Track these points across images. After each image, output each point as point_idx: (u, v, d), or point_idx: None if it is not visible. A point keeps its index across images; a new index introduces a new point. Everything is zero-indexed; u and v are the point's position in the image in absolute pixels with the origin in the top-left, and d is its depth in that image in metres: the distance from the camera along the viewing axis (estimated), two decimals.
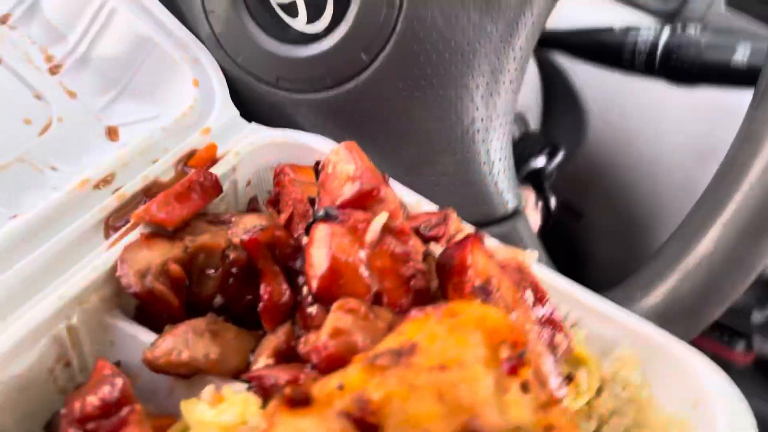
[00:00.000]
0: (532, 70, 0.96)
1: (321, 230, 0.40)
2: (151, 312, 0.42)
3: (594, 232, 1.02)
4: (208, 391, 0.38)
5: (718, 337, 0.89)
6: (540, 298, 0.44)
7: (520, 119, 0.99)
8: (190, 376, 0.40)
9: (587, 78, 0.94)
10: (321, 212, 0.41)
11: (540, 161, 0.90)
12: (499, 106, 0.57)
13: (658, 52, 0.72)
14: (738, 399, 0.45)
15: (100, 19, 0.55)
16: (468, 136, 0.56)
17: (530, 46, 0.58)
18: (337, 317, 0.37)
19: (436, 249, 0.46)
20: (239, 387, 0.39)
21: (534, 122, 1.00)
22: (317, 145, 0.55)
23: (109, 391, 0.34)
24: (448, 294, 0.41)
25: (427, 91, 0.54)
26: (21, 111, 0.53)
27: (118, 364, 0.41)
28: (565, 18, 0.86)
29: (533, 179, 0.91)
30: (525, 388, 0.31)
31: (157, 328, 0.42)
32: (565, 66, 0.95)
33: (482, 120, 0.56)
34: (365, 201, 0.41)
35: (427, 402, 0.28)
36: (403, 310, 0.40)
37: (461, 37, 0.52)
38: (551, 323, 0.44)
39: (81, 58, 0.57)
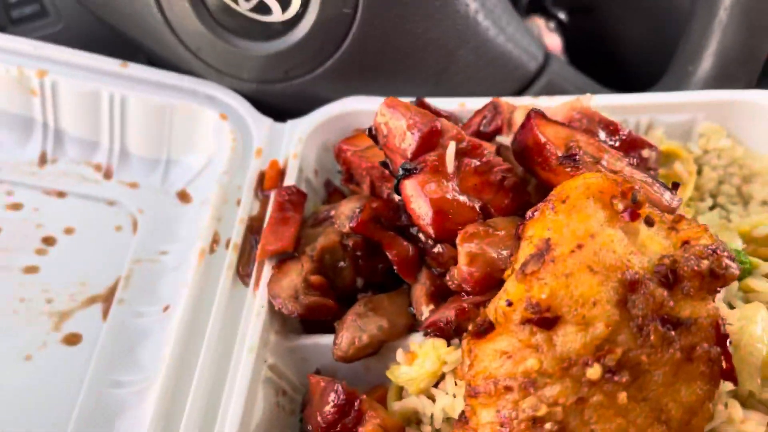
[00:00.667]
0: None
1: (409, 186, 0.44)
2: (318, 319, 0.48)
3: (612, 20, 1.01)
4: (400, 354, 0.44)
5: None
6: (613, 130, 0.47)
7: None
8: (376, 351, 0.46)
9: None
10: (400, 171, 0.45)
11: None
12: None
13: None
14: None
15: (116, 110, 0.59)
16: (470, 20, 0.57)
17: None
18: (466, 247, 0.41)
19: (504, 139, 0.50)
20: (419, 338, 0.45)
21: None
22: (352, 107, 0.58)
23: (334, 396, 0.41)
24: (539, 174, 0.45)
25: (417, 8, 0.55)
26: (109, 223, 0.59)
27: (318, 372, 0.47)
28: None
29: (534, 6, 0.91)
30: (649, 222, 0.35)
31: (327, 329, 0.48)
32: None
33: (476, 0, 0.57)
34: (430, 141, 0.45)
35: (585, 278, 0.33)
36: (510, 210, 0.44)
37: None
38: (633, 144, 0.48)
39: (121, 151, 0.61)
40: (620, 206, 0.35)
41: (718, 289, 0.33)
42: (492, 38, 0.59)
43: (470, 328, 0.36)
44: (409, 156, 0.45)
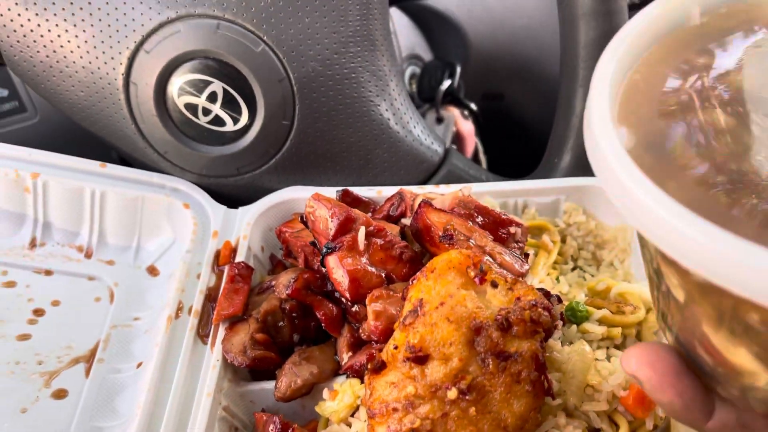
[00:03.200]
0: (404, 20, 1.11)
1: (331, 260, 0.58)
2: (262, 368, 0.60)
3: (518, 104, 1.19)
4: (326, 392, 0.57)
5: None
6: (485, 213, 0.62)
7: (415, 57, 1.15)
8: (309, 392, 0.58)
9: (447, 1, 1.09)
10: (324, 249, 0.58)
11: (446, 83, 1.06)
12: (393, 89, 0.73)
13: None
14: None
15: (96, 202, 0.72)
16: (384, 127, 0.73)
17: (387, 34, 0.73)
18: (372, 306, 0.55)
19: (407, 221, 0.64)
20: (341, 379, 0.58)
21: (426, 55, 1.15)
22: (289, 196, 0.72)
23: (273, 427, 0.53)
24: (429, 249, 0.59)
25: (343, 118, 0.70)
26: (89, 295, 0.70)
27: (263, 411, 0.60)
28: None
29: (450, 98, 1.08)
30: (494, 284, 0.50)
31: (270, 376, 0.60)
32: (429, 3, 1.10)
33: (387, 110, 0.73)
34: (346, 226, 0.59)
35: (444, 326, 0.46)
36: (408, 277, 0.58)
37: (345, 73, 0.68)
38: (502, 223, 0.62)
39: (100, 235, 0.73)
40: (472, 274, 0.49)
41: (538, 330, 0.47)
42: (402, 139, 0.74)
43: (369, 366, 0.49)
44: (331, 237, 0.59)
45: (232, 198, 0.74)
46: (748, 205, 0.29)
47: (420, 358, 0.46)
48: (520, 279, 0.51)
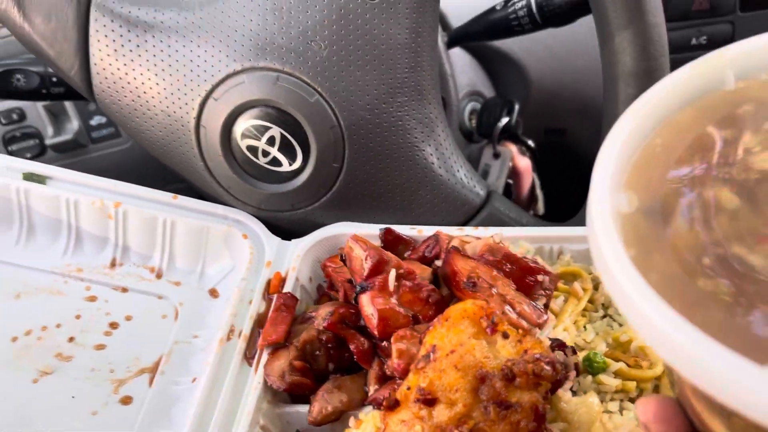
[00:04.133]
0: (466, 58, 1.15)
1: (364, 299, 0.63)
2: (299, 393, 0.66)
3: (580, 139, 1.20)
4: (352, 420, 0.62)
5: None
6: (513, 261, 0.65)
7: (476, 94, 1.19)
8: (338, 418, 0.64)
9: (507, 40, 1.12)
10: (358, 288, 0.64)
11: (504, 119, 1.09)
12: (440, 134, 0.78)
13: (534, 10, 0.90)
14: None
15: (167, 230, 0.80)
16: (427, 170, 0.77)
17: (435, 83, 0.78)
18: (396, 345, 0.60)
19: (440, 263, 0.69)
20: (368, 409, 0.63)
21: (488, 91, 1.19)
22: (337, 231, 0.78)
23: None
24: (455, 293, 0.63)
25: (389, 161, 0.75)
26: (157, 312, 0.79)
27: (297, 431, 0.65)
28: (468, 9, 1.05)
29: (507, 134, 1.11)
30: (505, 336, 0.53)
31: (307, 400, 0.66)
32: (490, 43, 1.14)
33: (432, 154, 0.77)
34: (379, 268, 0.64)
35: (452, 373, 0.51)
36: (433, 319, 0.62)
37: (394, 120, 0.74)
38: (530, 270, 0.65)
39: (170, 258, 0.82)
40: (485, 324, 0.53)
41: (540, 383, 0.50)
42: (445, 182, 0.78)
43: (384, 404, 0.54)
44: (364, 277, 0.64)
45: (287, 231, 0.81)
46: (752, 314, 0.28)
47: (428, 401, 0.51)
48: (532, 331, 0.54)
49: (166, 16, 0.75)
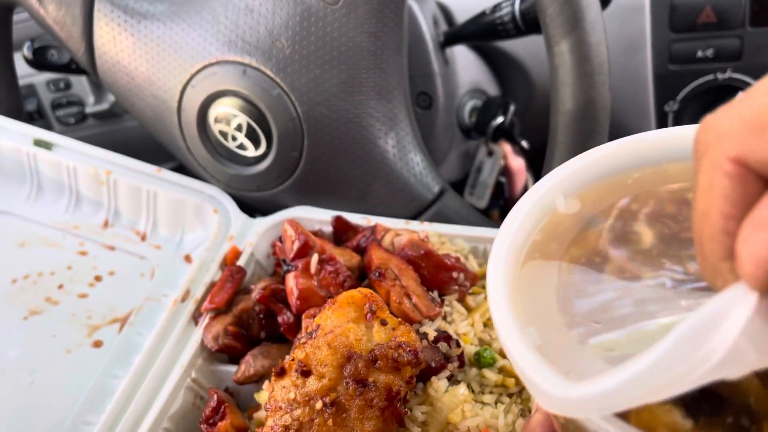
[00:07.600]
0: (471, 56, 1.18)
1: (289, 277, 0.70)
2: (230, 354, 0.75)
3: None
4: (266, 384, 0.70)
5: None
6: (429, 256, 0.70)
7: (479, 91, 1.22)
8: (259, 380, 0.72)
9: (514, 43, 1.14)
10: (284, 268, 0.71)
11: (498, 119, 1.12)
12: (402, 131, 0.83)
13: (517, 17, 0.93)
14: None
15: (151, 200, 0.90)
16: (384, 165, 0.83)
17: (400, 82, 0.83)
18: (305, 321, 0.67)
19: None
20: None
21: (492, 90, 1.22)
22: (296, 214, 0.85)
23: (211, 401, 0.67)
24: (370, 281, 0.69)
25: (346, 154, 0.81)
26: (137, 270, 0.89)
27: (227, 389, 0.74)
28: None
29: (503, 133, 1.14)
30: (383, 323, 0.59)
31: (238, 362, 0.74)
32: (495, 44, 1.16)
33: (389, 151, 0.83)
34: (305, 251, 0.71)
35: (324, 350, 0.57)
36: None
37: (355, 113, 0.80)
38: (446, 267, 0.70)
39: (153, 224, 0.92)
40: (365, 311, 0.59)
41: (399, 367, 0.56)
42: (399, 177, 0.84)
43: (274, 370, 0.61)
44: (291, 258, 0.71)
45: (255, 209, 0.89)
46: None
47: (304, 372, 0.58)
48: (405, 323, 0.60)
49: (158, 9, 0.84)
